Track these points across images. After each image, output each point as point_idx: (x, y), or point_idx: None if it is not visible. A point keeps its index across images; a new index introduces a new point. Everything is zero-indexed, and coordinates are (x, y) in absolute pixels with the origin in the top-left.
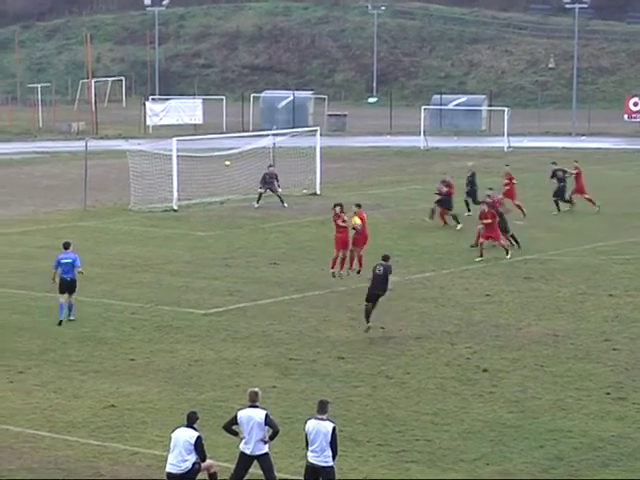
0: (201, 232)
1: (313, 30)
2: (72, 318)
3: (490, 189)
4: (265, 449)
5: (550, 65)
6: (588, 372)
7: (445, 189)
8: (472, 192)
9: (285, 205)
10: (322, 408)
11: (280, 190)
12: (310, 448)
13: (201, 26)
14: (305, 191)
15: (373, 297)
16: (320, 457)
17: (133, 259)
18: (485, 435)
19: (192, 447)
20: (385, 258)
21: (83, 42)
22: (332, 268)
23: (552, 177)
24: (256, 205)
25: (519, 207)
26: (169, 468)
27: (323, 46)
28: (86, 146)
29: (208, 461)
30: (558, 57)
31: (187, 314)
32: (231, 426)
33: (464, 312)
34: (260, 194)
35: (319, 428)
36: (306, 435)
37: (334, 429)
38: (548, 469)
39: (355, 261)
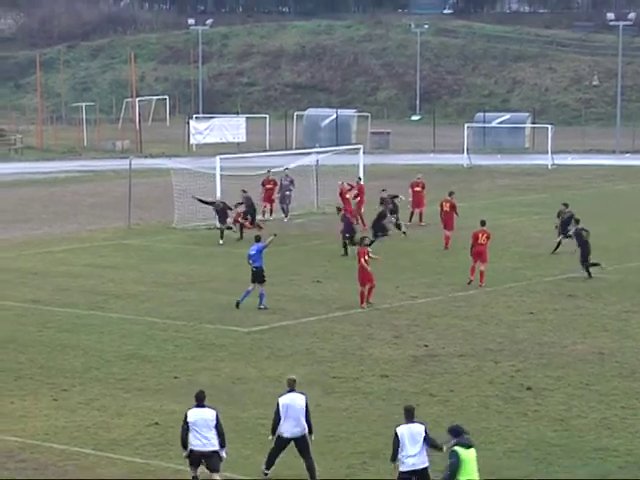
0: (244, 250)
1: (356, 48)
2: (261, 307)
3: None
4: (303, 432)
5: (594, 82)
6: (634, 390)
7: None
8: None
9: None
10: (411, 414)
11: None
12: (410, 453)
13: (244, 45)
14: None
15: None
16: (420, 458)
17: (176, 277)
18: (529, 454)
19: (213, 425)
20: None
21: (127, 61)
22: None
23: (381, 204)
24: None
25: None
26: (196, 447)
27: (366, 64)
28: (130, 164)
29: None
30: (602, 74)
31: (230, 332)
32: (278, 422)
33: (508, 330)
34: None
35: (413, 431)
36: (399, 442)
37: (426, 429)
38: None
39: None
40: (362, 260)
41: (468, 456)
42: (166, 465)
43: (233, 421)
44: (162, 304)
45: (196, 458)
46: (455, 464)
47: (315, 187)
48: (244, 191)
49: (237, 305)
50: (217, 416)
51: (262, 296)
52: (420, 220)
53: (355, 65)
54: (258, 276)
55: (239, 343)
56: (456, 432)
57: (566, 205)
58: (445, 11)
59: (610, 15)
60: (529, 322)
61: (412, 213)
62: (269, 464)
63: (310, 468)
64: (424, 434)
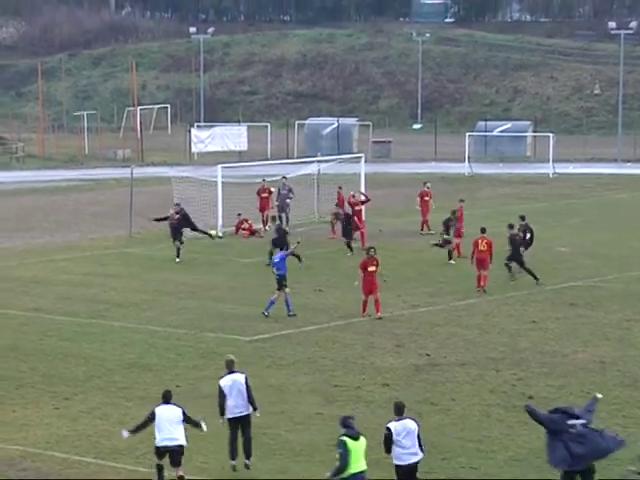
0: (246, 259)
1: (357, 57)
2: (265, 313)
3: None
4: (249, 410)
5: (595, 91)
6: (635, 399)
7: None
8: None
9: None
10: (401, 410)
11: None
12: (405, 450)
13: (246, 53)
14: None
15: None
16: (417, 454)
17: (178, 286)
18: (531, 462)
19: (181, 421)
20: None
21: (128, 70)
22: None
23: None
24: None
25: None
26: (162, 442)
27: (367, 73)
28: (132, 173)
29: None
30: (603, 83)
31: (232, 341)
32: (223, 403)
33: (509, 339)
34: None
35: (408, 427)
36: (392, 438)
37: (418, 424)
38: None
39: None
40: (359, 271)
41: (356, 446)
42: (167, 473)
43: None
44: (163, 313)
45: (162, 454)
46: (344, 454)
47: (316, 196)
48: (177, 204)
49: (291, 315)
50: (184, 412)
51: (271, 303)
52: (422, 229)
53: (356, 74)
54: (279, 283)
55: (241, 352)
56: (344, 423)
57: (522, 218)
58: (447, 20)
59: (611, 24)
60: (531, 331)
61: (422, 222)
62: (233, 454)
63: (247, 444)
64: (417, 431)
